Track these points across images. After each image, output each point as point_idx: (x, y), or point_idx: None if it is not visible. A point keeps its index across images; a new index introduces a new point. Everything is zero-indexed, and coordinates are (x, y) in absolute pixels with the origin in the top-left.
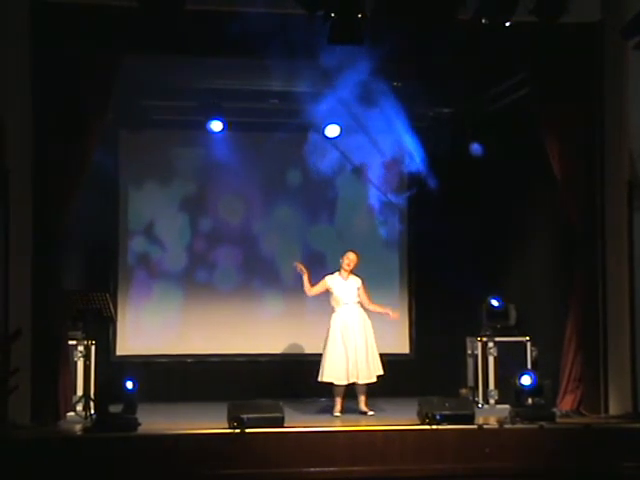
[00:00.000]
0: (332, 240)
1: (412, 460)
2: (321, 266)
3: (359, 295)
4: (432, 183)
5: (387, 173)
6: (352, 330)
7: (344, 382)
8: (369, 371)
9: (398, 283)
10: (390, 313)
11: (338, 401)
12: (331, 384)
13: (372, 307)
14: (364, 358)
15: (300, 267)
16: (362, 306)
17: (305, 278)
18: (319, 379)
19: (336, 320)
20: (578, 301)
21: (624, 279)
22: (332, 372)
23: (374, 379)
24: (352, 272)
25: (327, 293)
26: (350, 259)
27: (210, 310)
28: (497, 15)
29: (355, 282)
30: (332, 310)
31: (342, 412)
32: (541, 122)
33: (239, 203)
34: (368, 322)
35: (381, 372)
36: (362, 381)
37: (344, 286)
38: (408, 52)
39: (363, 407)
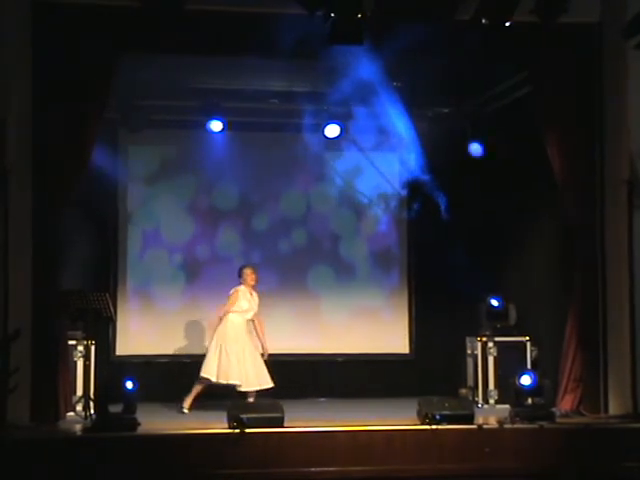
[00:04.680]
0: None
1: (412, 460)
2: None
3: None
4: (432, 184)
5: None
6: (244, 340)
7: (215, 380)
8: (258, 379)
9: (398, 283)
10: (265, 350)
11: (190, 398)
12: (206, 381)
13: (261, 328)
14: (254, 366)
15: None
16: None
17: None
18: (202, 374)
19: (232, 327)
20: (578, 301)
21: (624, 278)
22: (213, 370)
23: (264, 386)
24: (254, 287)
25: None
26: (249, 274)
27: (210, 310)
28: (497, 15)
29: (257, 297)
30: (225, 313)
31: (190, 410)
32: (541, 122)
33: (238, 199)
34: (251, 336)
35: (271, 384)
36: (251, 388)
37: (251, 301)
38: (408, 52)
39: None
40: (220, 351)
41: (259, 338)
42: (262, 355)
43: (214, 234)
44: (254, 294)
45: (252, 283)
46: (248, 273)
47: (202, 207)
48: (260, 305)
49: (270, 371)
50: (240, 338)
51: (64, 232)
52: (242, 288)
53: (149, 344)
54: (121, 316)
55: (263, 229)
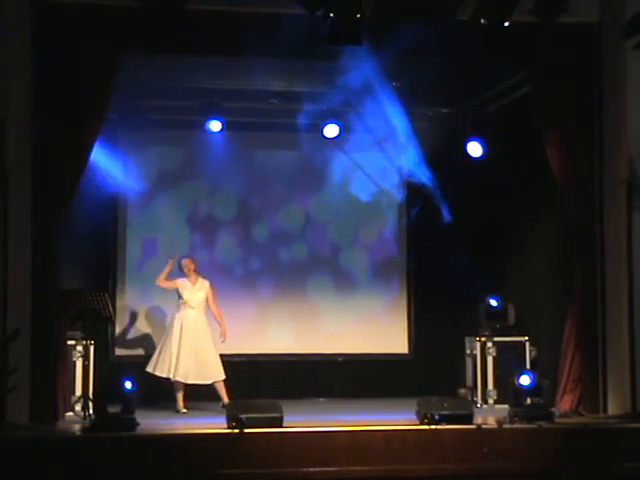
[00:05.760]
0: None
1: (411, 460)
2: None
3: (206, 298)
4: (432, 184)
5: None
6: (189, 332)
7: (165, 375)
8: (201, 373)
9: (397, 283)
10: (222, 331)
11: (180, 397)
12: (167, 380)
13: (216, 311)
14: (196, 360)
15: (171, 263)
16: (207, 305)
17: (165, 270)
18: (146, 369)
19: (178, 320)
20: (577, 301)
21: (623, 279)
22: (160, 366)
23: (208, 381)
24: (199, 275)
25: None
26: (185, 264)
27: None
28: (496, 15)
29: (203, 286)
30: (176, 309)
31: (187, 408)
32: (540, 122)
33: (237, 206)
34: (207, 328)
35: (222, 377)
36: (192, 381)
37: (192, 290)
38: (408, 52)
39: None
40: (162, 345)
41: (218, 324)
42: (222, 338)
43: (213, 241)
44: (199, 283)
45: (189, 273)
46: (185, 264)
47: (201, 213)
48: (258, 304)
49: (272, 370)
50: (185, 332)
51: (64, 231)
52: (180, 280)
53: (149, 344)
54: (120, 316)
55: (263, 237)
